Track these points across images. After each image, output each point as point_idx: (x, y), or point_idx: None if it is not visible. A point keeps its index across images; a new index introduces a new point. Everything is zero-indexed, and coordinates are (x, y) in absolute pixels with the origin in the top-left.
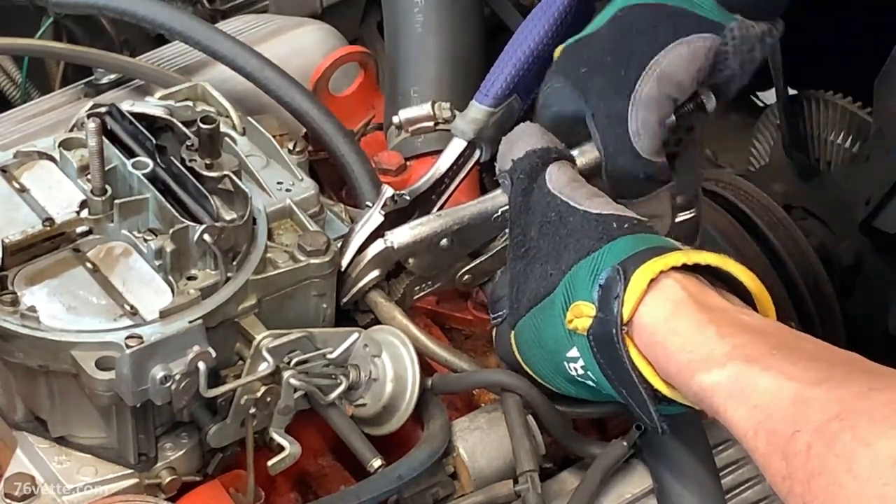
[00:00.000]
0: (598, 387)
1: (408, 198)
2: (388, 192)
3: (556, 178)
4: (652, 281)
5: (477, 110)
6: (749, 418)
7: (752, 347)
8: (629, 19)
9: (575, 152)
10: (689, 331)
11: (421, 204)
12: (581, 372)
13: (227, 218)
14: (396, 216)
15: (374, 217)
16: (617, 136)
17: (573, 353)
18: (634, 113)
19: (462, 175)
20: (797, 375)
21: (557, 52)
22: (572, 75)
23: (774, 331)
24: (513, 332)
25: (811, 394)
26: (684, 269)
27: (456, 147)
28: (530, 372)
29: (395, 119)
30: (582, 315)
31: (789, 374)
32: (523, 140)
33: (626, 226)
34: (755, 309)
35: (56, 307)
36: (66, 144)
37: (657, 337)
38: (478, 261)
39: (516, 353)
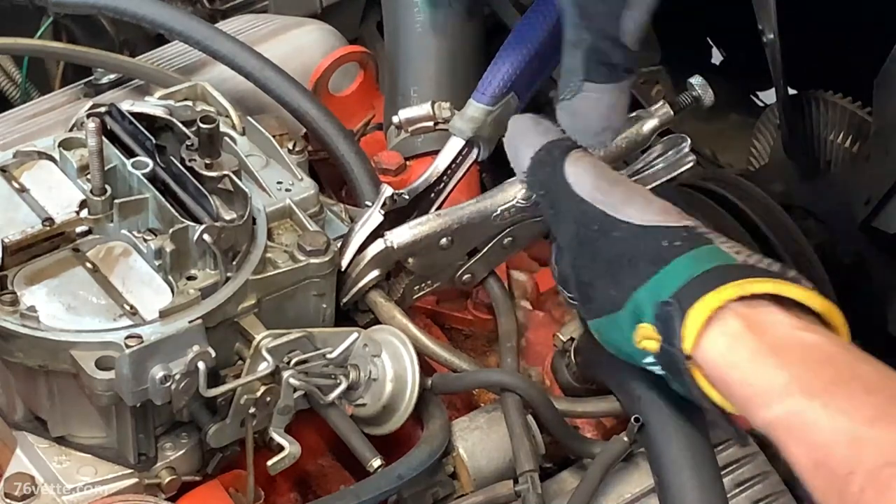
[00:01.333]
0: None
1: (407, 197)
2: (387, 191)
3: (580, 179)
4: (714, 310)
5: (475, 109)
6: (807, 456)
7: (810, 379)
8: None
9: None
10: (746, 364)
11: (420, 203)
12: (661, 374)
13: (227, 218)
14: (396, 216)
15: (374, 217)
16: (604, 24)
17: (649, 360)
18: (631, 4)
19: (460, 174)
20: (853, 413)
21: None
22: None
23: (834, 354)
24: (589, 324)
25: (865, 434)
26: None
27: (454, 146)
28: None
29: (395, 119)
30: (649, 338)
31: (846, 411)
32: (523, 142)
33: (677, 244)
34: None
35: (56, 307)
36: (65, 144)
37: (718, 371)
38: (476, 258)
39: (596, 337)
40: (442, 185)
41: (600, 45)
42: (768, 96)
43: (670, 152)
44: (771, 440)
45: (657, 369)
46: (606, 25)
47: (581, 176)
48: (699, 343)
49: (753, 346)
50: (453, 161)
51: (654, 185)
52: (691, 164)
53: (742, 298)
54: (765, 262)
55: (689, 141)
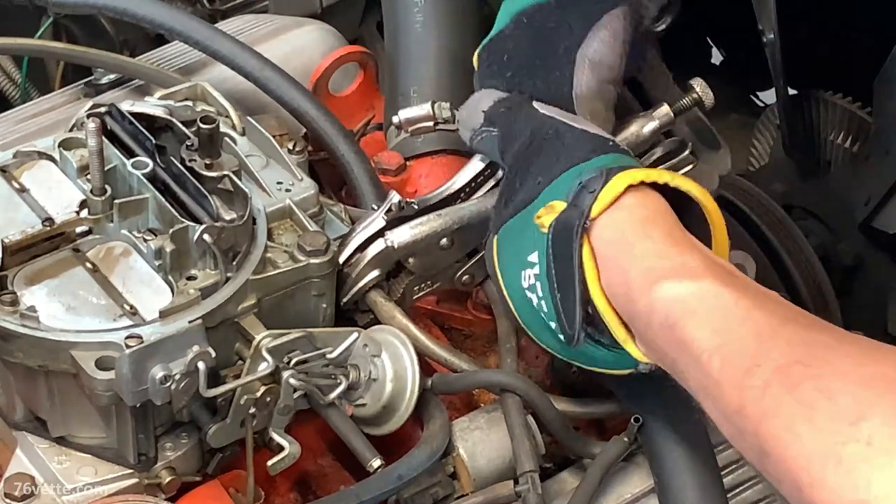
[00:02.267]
0: (537, 306)
1: (416, 206)
2: (395, 198)
3: (546, 108)
4: (635, 186)
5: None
6: (709, 340)
7: (726, 273)
8: (538, 20)
9: None
10: (664, 239)
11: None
12: (532, 282)
13: (227, 218)
14: (398, 220)
15: (377, 221)
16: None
17: (533, 257)
18: (581, 108)
19: (479, 193)
20: (767, 311)
21: (475, 59)
22: (503, 80)
23: (740, 273)
24: (495, 239)
25: (777, 332)
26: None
27: (475, 167)
28: (502, 287)
29: (395, 119)
30: (552, 211)
31: (758, 308)
32: (487, 96)
33: (620, 147)
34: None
35: (56, 307)
36: (65, 144)
37: (623, 242)
38: (476, 259)
39: (495, 262)
40: (457, 202)
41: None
42: (768, 96)
43: (670, 153)
44: (645, 323)
45: (533, 273)
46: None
47: (549, 108)
48: (610, 213)
49: (675, 227)
50: (473, 180)
51: None
52: (691, 167)
53: (659, 188)
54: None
55: (689, 143)
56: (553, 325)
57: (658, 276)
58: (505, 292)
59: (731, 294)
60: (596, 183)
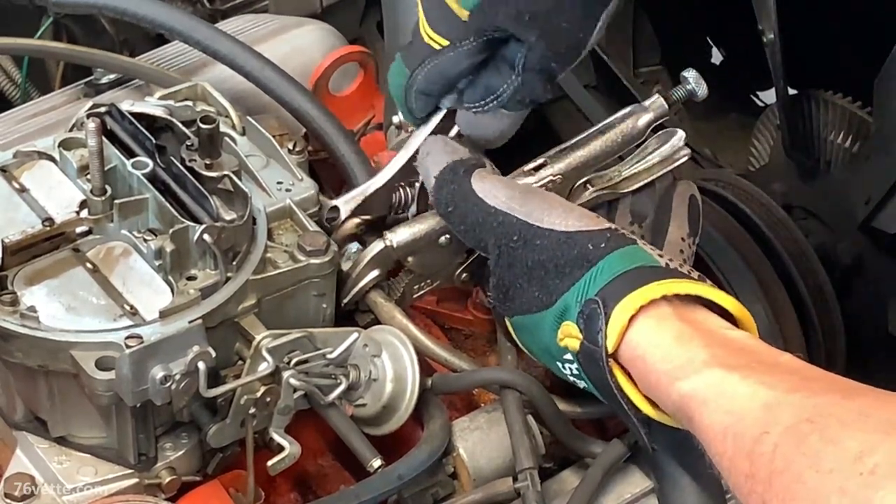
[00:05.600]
0: (593, 391)
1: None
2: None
3: (491, 193)
4: (638, 309)
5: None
6: (720, 423)
7: (731, 358)
8: None
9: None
10: (670, 342)
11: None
12: (575, 373)
13: (227, 218)
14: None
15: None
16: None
17: (567, 357)
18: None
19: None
20: (775, 383)
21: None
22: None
23: (755, 346)
24: (508, 321)
25: (785, 399)
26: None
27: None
28: (534, 356)
29: (395, 119)
30: (571, 336)
31: (767, 383)
32: (431, 160)
33: (602, 245)
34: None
35: (56, 307)
36: (65, 144)
37: (639, 352)
38: (474, 257)
39: (513, 334)
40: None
41: (533, 85)
42: (768, 96)
43: (665, 146)
44: (682, 418)
45: (574, 367)
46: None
47: (491, 190)
48: (623, 336)
49: (678, 328)
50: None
51: (650, 179)
52: (686, 158)
53: (665, 298)
54: (685, 268)
55: (683, 134)
56: None
57: (672, 377)
58: (538, 360)
59: (738, 375)
60: (598, 318)
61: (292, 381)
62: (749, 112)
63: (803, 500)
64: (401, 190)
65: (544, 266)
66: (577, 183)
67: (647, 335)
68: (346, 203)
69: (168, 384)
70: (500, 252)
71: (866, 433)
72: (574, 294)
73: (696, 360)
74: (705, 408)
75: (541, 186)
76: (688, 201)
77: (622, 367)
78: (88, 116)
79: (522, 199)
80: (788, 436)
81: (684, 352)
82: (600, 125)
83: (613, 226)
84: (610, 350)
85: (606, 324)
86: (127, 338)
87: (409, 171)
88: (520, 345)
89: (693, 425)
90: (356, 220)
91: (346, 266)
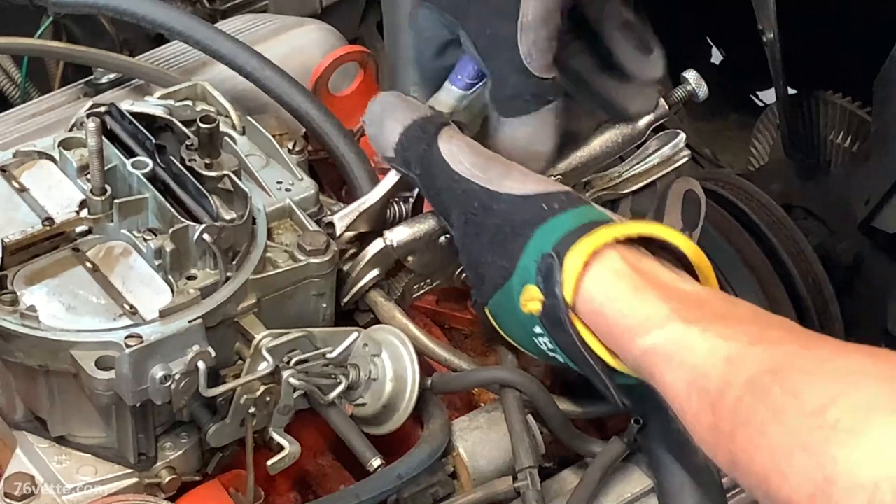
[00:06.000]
0: (564, 362)
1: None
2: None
3: (456, 158)
4: (589, 259)
5: (448, 93)
6: (683, 378)
7: (689, 312)
8: None
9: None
10: (628, 297)
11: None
12: (550, 346)
13: (227, 217)
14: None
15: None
16: (506, 59)
17: (538, 329)
18: (524, 35)
19: None
20: (735, 336)
21: None
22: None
23: (711, 297)
24: (488, 311)
25: (746, 352)
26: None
27: None
28: (519, 347)
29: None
30: (533, 298)
31: (727, 335)
32: (391, 117)
33: (555, 205)
34: (696, 276)
35: (56, 307)
36: (65, 144)
37: (596, 306)
38: None
39: (496, 327)
40: None
41: (506, 79)
42: (768, 96)
43: (665, 147)
44: (644, 374)
45: (547, 341)
46: (506, 58)
47: (456, 154)
48: (580, 286)
49: (634, 281)
50: None
51: (650, 179)
52: (686, 159)
53: (618, 242)
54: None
55: (684, 135)
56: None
57: (632, 333)
58: (522, 348)
59: (698, 329)
60: (555, 271)
61: (292, 380)
62: (749, 112)
63: (767, 453)
64: (395, 205)
65: (503, 231)
66: (578, 183)
67: (605, 289)
68: (341, 219)
69: (168, 384)
70: (465, 222)
71: (826, 383)
72: (531, 253)
73: (655, 315)
74: (667, 364)
75: None
76: (682, 197)
77: (584, 324)
78: (88, 116)
79: (485, 165)
80: (750, 388)
81: (642, 307)
82: (601, 126)
83: (570, 189)
84: (569, 300)
85: (563, 274)
86: (127, 337)
87: (404, 186)
88: (502, 334)
89: (655, 381)
90: (350, 234)
91: (345, 266)
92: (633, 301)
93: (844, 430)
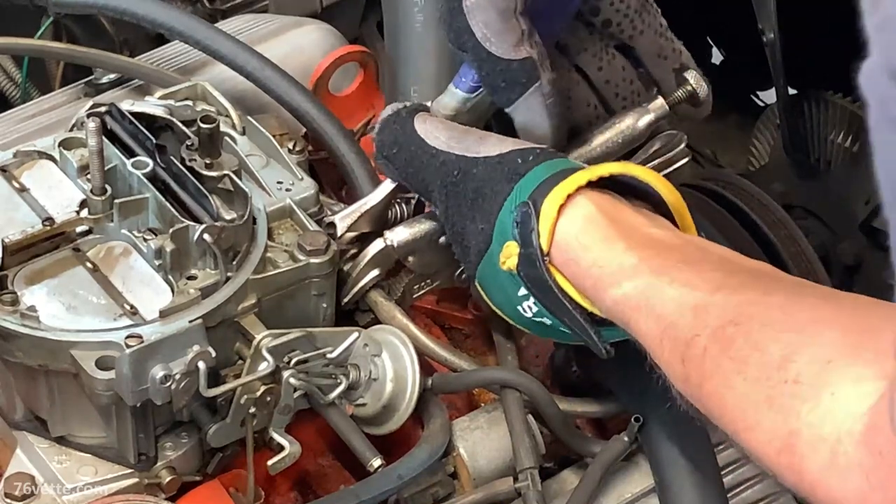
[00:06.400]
0: (553, 324)
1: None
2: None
3: (432, 134)
4: (564, 203)
5: (452, 96)
6: (655, 328)
7: (659, 260)
8: None
9: None
10: (599, 246)
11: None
12: (535, 309)
13: (227, 217)
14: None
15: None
16: (472, 47)
17: (522, 291)
18: (472, 19)
19: None
20: (700, 284)
21: None
22: None
23: (683, 243)
24: (478, 284)
25: (710, 300)
26: (599, 186)
27: None
28: (509, 320)
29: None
30: (511, 255)
31: (693, 284)
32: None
33: (530, 158)
34: (673, 219)
35: (56, 307)
36: (65, 144)
37: (570, 254)
38: None
39: (490, 303)
40: None
41: (481, 68)
42: (768, 96)
43: (666, 147)
44: (621, 323)
45: (531, 303)
46: (471, 45)
47: (433, 131)
48: (554, 235)
49: (605, 229)
50: None
51: None
52: (687, 160)
53: (591, 186)
54: None
55: (684, 136)
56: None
57: (604, 283)
58: (514, 323)
59: (667, 278)
60: (530, 219)
61: (292, 380)
62: (749, 112)
63: (735, 406)
64: (396, 206)
65: (482, 192)
66: None
67: (578, 237)
68: (342, 219)
69: (168, 384)
70: (446, 193)
71: (787, 333)
72: (507, 208)
73: (626, 264)
74: (639, 314)
75: None
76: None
77: (560, 272)
78: (88, 116)
79: (461, 136)
80: (716, 339)
81: (613, 256)
82: (600, 126)
83: (546, 146)
84: (545, 248)
85: (538, 221)
86: (127, 337)
87: (405, 187)
88: (493, 308)
89: (631, 330)
90: (351, 235)
91: (346, 266)
92: (604, 250)
93: (807, 384)
